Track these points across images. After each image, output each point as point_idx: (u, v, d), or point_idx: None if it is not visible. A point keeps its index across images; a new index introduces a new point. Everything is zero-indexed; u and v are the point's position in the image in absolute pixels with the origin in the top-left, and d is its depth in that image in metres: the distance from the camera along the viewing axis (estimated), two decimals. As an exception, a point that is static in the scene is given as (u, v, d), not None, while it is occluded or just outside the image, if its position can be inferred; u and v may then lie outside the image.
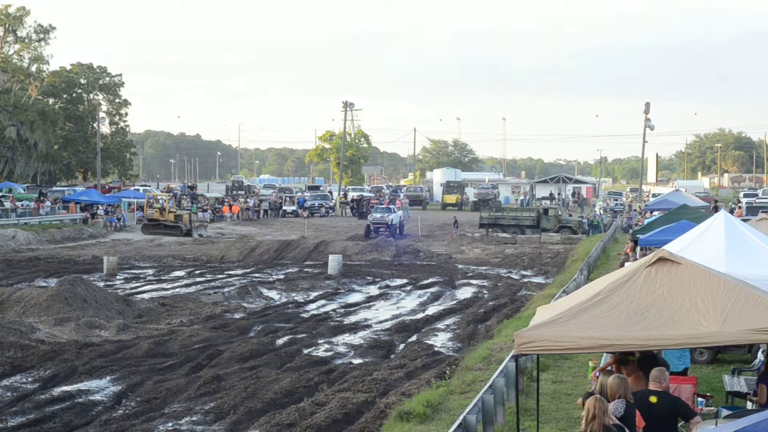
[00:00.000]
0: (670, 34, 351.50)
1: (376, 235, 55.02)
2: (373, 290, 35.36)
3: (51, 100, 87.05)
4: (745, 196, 76.05)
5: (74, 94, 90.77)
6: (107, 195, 72.26)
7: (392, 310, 30.51)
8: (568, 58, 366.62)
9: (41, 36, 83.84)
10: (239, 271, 40.45)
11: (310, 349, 23.27)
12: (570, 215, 63.88)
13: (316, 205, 78.64)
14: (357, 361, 22.07)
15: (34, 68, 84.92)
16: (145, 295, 32.53)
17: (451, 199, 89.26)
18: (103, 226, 60.36)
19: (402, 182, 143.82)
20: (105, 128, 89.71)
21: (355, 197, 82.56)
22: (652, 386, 9.63)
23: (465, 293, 34.41)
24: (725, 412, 11.13)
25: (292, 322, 27.27)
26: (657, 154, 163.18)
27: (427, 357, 21.78)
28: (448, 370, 18.92)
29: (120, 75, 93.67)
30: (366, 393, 17.84)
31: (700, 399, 12.57)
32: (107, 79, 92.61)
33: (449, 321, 27.94)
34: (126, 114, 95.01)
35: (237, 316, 28.47)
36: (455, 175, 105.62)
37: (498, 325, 25.46)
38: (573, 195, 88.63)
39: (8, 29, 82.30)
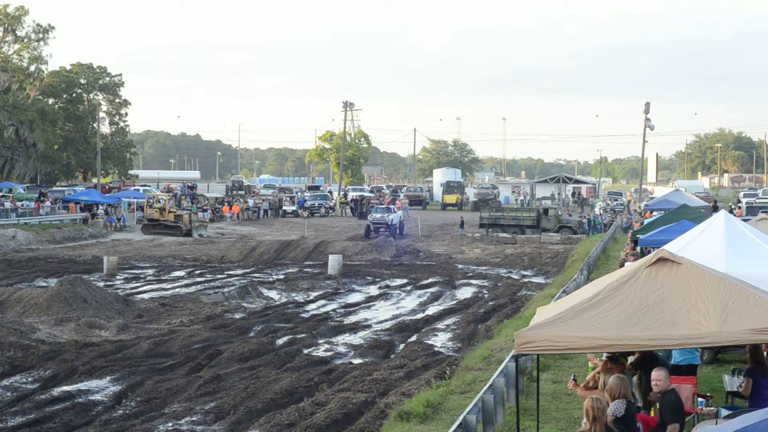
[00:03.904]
0: (670, 34, 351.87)
1: (376, 235, 55.01)
2: (373, 290, 35.35)
3: (51, 100, 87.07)
4: (745, 196, 76.09)
5: (74, 94, 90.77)
6: (107, 195, 72.27)
7: (392, 310, 30.50)
8: (568, 58, 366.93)
9: (40, 36, 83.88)
10: (239, 271, 40.44)
11: (310, 349, 23.27)
12: (570, 215, 63.91)
13: (316, 205, 78.64)
14: (357, 361, 22.06)
15: (33, 68, 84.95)
16: (145, 295, 32.52)
17: (451, 199, 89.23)
18: (103, 226, 60.34)
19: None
20: (105, 128, 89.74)
21: (355, 197, 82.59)
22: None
23: (465, 293, 34.40)
24: (725, 412, 11.15)
25: (292, 322, 27.26)
26: (657, 154, 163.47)
27: (427, 357, 21.78)
28: (448, 370, 18.94)
29: (120, 75, 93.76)
30: (366, 393, 17.83)
31: (700, 399, 12.58)
32: (107, 79, 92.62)
33: (449, 321, 27.93)
34: (126, 114, 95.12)
35: (237, 316, 28.46)
36: (455, 175, 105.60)
37: (498, 325, 25.45)
38: (573, 195, 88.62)
39: (7, 29, 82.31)
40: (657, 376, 10.11)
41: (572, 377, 11.20)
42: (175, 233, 55.78)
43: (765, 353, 13.53)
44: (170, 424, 16.28)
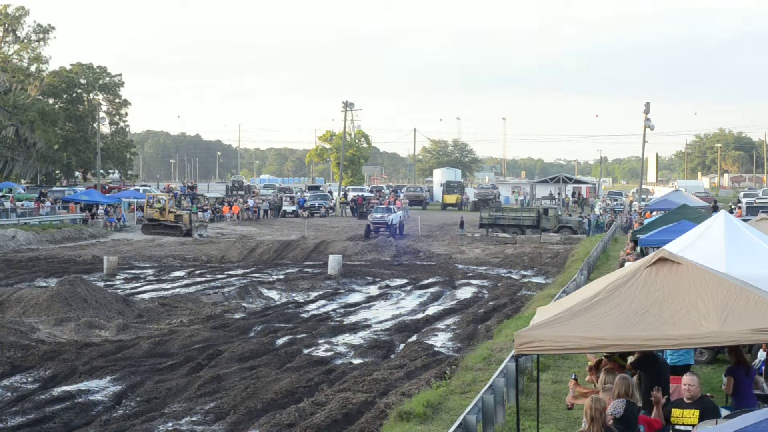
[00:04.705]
0: (670, 34, 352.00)
1: (376, 235, 55.00)
2: (373, 290, 35.35)
3: (51, 100, 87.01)
4: (745, 196, 76.08)
5: (74, 94, 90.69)
6: (107, 195, 72.27)
7: (392, 310, 30.50)
8: (568, 58, 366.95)
9: (40, 36, 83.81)
10: (239, 271, 40.44)
11: (310, 349, 23.27)
12: (570, 215, 63.90)
13: (316, 205, 78.64)
14: (357, 361, 22.06)
15: (33, 68, 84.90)
16: (145, 295, 32.52)
17: (451, 199, 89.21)
18: (103, 226, 60.34)
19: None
20: (105, 128, 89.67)
21: (355, 197, 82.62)
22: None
23: (465, 293, 34.40)
24: (725, 412, 11.13)
25: (292, 322, 27.26)
26: (657, 154, 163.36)
27: (427, 357, 21.77)
28: (448, 370, 18.94)
29: (120, 75, 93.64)
30: (366, 393, 17.83)
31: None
32: (107, 79, 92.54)
33: (449, 321, 27.94)
34: (126, 114, 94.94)
35: (237, 316, 28.46)
36: (455, 175, 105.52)
37: (498, 325, 25.46)
38: (573, 195, 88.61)
39: (7, 29, 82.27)
40: (690, 381, 9.90)
41: (573, 377, 11.20)
42: (175, 233, 55.78)
43: (765, 352, 13.55)
44: (170, 424, 16.28)
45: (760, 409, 9.33)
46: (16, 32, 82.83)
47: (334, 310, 30.41)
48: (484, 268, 43.01)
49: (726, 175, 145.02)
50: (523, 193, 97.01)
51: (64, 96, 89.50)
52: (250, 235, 58.06)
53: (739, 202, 63.17)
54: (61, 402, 17.59)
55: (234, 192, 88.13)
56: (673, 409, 9.98)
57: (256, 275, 39.11)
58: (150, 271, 40.46)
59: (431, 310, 30.47)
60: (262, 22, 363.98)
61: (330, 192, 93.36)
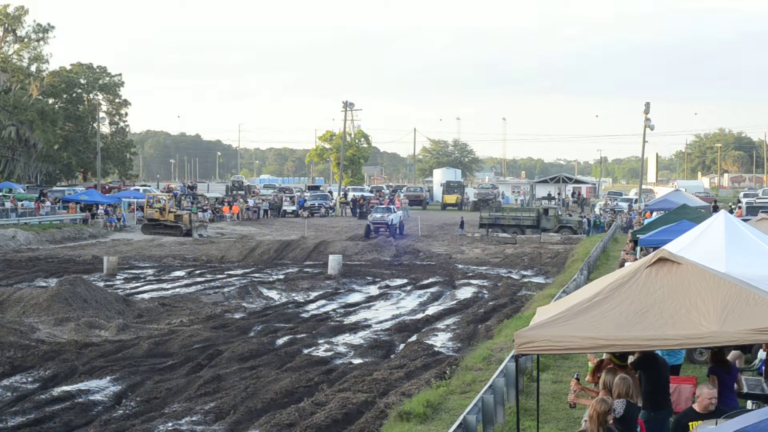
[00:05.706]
0: (670, 34, 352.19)
1: (376, 235, 54.99)
2: (373, 290, 35.35)
3: (51, 100, 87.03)
4: (745, 196, 76.06)
5: (74, 94, 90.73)
6: (107, 195, 72.26)
7: (392, 310, 30.50)
8: (568, 58, 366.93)
9: (40, 35, 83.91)
10: (239, 271, 40.43)
11: (310, 349, 23.27)
12: (570, 215, 63.89)
13: (316, 205, 78.64)
14: (357, 361, 22.07)
15: (33, 68, 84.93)
16: (145, 295, 32.52)
17: (451, 199, 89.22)
18: (103, 226, 60.34)
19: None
20: (105, 128, 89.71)
21: (355, 197, 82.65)
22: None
23: (465, 293, 34.40)
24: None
25: (292, 322, 27.26)
26: (657, 154, 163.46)
27: (427, 357, 21.78)
28: (448, 370, 18.93)
29: (120, 75, 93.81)
30: (366, 393, 17.83)
31: (700, 399, 12.54)
32: (107, 79, 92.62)
33: (449, 321, 27.93)
34: (126, 114, 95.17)
35: (237, 316, 28.46)
36: (455, 175, 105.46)
37: (498, 325, 25.46)
38: (573, 195, 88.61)
39: (7, 29, 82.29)
40: (714, 394, 9.80)
41: (575, 376, 11.20)
42: (175, 233, 55.78)
43: (765, 352, 13.55)
44: (170, 424, 16.28)
45: (760, 408, 9.32)
46: (16, 32, 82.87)
47: (334, 310, 30.41)
48: (484, 268, 43.00)
49: (726, 175, 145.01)
50: (523, 193, 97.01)
51: (64, 96, 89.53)
52: (250, 235, 58.06)
53: (739, 202, 63.11)
54: (61, 402, 17.59)
55: (234, 192, 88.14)
56: (689, 423, 9.77)
57: (256, 275, 39.10)
58: (150, 271, 40.45)
59: (431, 310, 30.47)
60: (262, 22, 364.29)
61: (330, 192, 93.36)
